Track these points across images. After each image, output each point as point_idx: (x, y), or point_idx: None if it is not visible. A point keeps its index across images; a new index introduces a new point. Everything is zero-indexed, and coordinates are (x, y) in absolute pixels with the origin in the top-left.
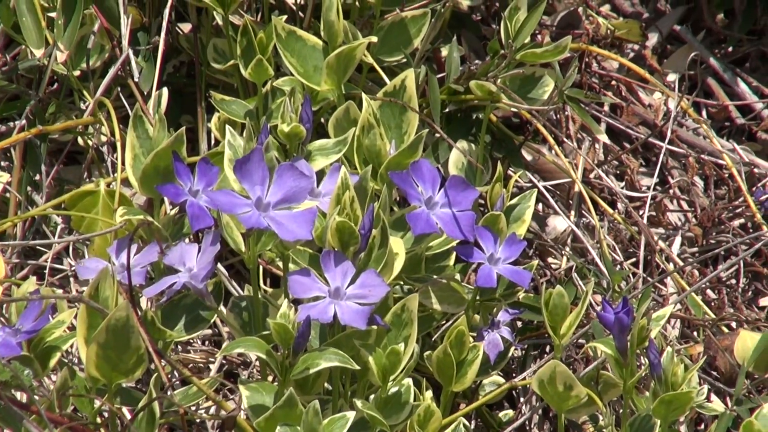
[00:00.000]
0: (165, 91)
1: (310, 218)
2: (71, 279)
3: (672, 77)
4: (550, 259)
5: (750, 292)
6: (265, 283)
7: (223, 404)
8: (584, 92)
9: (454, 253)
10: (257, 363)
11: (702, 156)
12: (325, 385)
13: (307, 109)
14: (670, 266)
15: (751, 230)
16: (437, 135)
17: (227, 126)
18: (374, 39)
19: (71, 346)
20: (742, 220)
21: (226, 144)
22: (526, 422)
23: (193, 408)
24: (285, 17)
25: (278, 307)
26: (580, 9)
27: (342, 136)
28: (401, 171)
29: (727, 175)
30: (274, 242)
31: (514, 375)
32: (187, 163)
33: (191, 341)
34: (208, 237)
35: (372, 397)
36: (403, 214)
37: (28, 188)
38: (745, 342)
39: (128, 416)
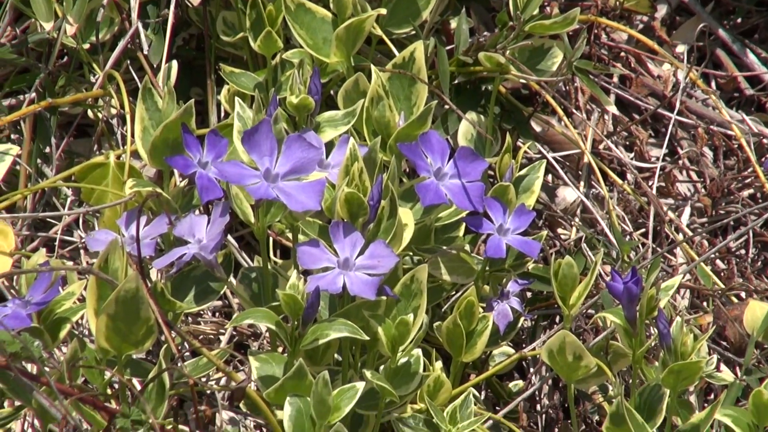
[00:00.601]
0: (174, 63)
1: (319, 189)
2: (81, 251)
3: (681, 48)
4: (559, 230)
5: (759, 262)
6: (274, 255)
7: (233, 375)
8: (593, 64)
9: (464, 224)
10: (267, 334)
11: (711, 127)
12: (335, 356)
13: (315, 81)
14: (680, 236)
15: (760, 200)
16: (446, 106)
17: (236, 98)
18: (383, 11)
19: (81, 318)
20: (751, 191)
21: (235, 116)
22: (536, 392)
23: (203, 379)
24: None
25: (287, 278)
26: None
27: (351, 107)
28: (410, 142)
29: (736, 146)
30: (284, 213)
31: (523, 345)
32: (196, 136)
33: (201, 312)
34: (218, 208)
35: (381, 367)
36: (412, 185)
37: (38, 161)
38: (755, 312)
39: (138, 387)
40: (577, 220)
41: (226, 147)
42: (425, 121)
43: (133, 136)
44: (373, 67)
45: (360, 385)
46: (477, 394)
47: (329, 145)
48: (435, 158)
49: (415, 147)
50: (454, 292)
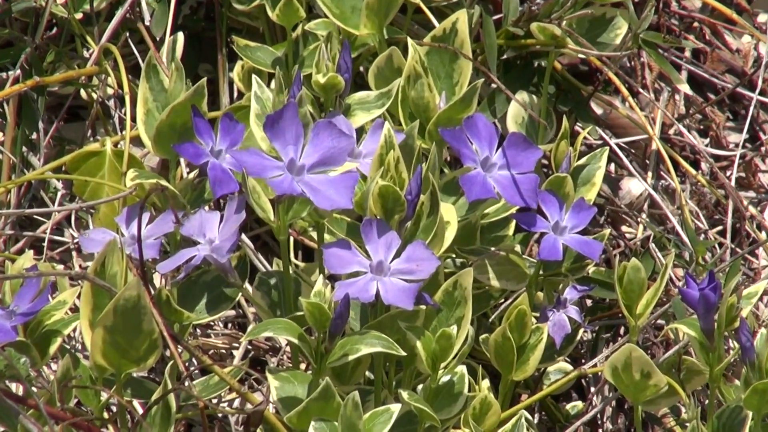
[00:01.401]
0: (180, 36)
1: (351, 184)
2: (73, 253)
3: (763, 18)
4: (623, 228)
5: None
6: (296, 257)
7: (248, 396)
8: (662, 36)
9: (514, 222)
10: (288, 349)
11: None
12: (366, 373)
13: (346, 57)
14: (762, 235)
15: None
16: (494, 85)
17: (253, 76)
18: None
19: (74, 331)
20: None
21: (252, 97)
22: (598, 415)
23: (215, 401)
24: None
25: (312, 285)
26: None
27: (385, 87)
28: (453, 127)
29: None
30: (308, 209)
31: (583, 361)
32: (208, 119)
33: (212, 324)
34: (232, 204)
35: (420, 387)
36: (455, 176)
37: (24, 149)
38: None
39: (140, 410)
40: (644, 216)
41: (242, 133)
42: (470, 102)
43: (133, 119)
44: (409, 41)
45: (395, 408)
46: (530, 417)
47: (360, 131)
48: (482, 146)
49: (459, 133)
50: (503, 300)
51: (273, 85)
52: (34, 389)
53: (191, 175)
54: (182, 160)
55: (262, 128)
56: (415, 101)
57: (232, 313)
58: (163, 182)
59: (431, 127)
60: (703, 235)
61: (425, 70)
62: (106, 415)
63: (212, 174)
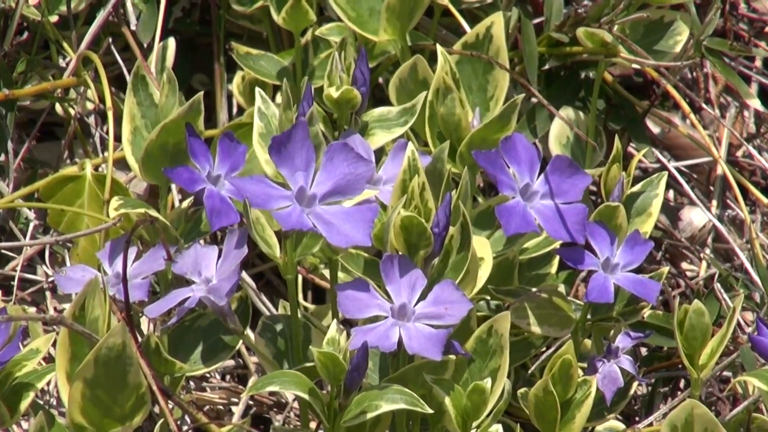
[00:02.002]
0: (171, 42)
1: (370, 216)
2: (48, 293)
3: None
4: (684, 265)
5: None
6: (305, 299)
7: None
8: (729, 43)
9: (557, 258)
10: (295, 405)
11: None
12: None
13: (362, 68)
14: None
15: None
16: (534, 100)
17: (257, 89)
18: None
19: (48, 384)
20: None
21: (255, 113)
22: None
23: None
24: None
25: (325, 331)
26: None
27: (408, 102)
28: (488, 149)
29: None
30: (320, 245)
31: (637, 419)
32: (203, 139)
33: (208, 376)
34: (232, 238)
35: None
36: (490, 206)
37: None
38: None
39: None
40: (708, 251)
41: (243, 156)
42: (509, 120)
43: (117, 139)
44: (438, 48)
45: None
46: None
47: (379, 153)
48: (521, 171)
49: (495, 156)
50: (544, 349)
51: (279, 99)
52: None
53: (185, 204)
54: (174, 187)
55: (267, 151)
56: (444, 119)
57: (232, 363)
58: (152, 212)
59: (463, 148)
60: None
61: (456, 82)
62: None
63: (209, 203)
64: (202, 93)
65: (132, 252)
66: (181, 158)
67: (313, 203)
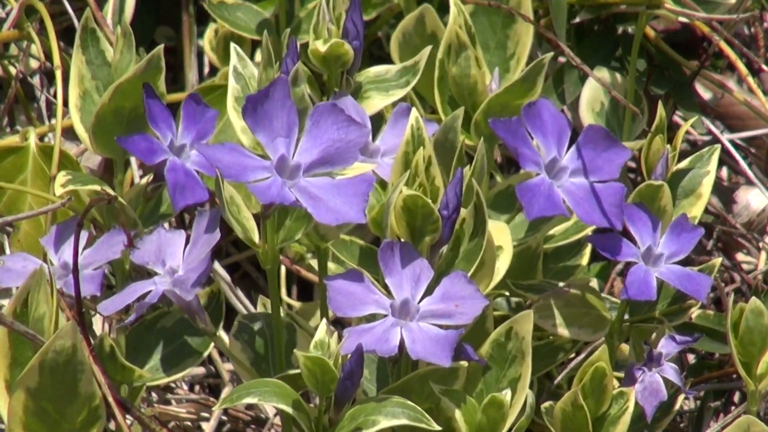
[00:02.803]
0: None
1: (364, 190)
2: None
3: None
4: (739, 256)
5: None
6: (289, 294)
7: None
8: None
9: (589, 247)
10: (277, 420)
11: None
12: None
13: (354, 17)
14: None
15: None
16: (562, 59)
17: (232, 44)
18: None
19: None
20: None
21: (230, 73)
22: None
23: None
24: None
25: (312, 332)
26: None
27: (412, 60)
28: (509, 118)
29: None
30: (306, 228)
31: None
32: (167, 104)
33: (174, 386)
34: (202, 220)
35: None
36: (510, 185)
37: None
38: None
39: None
40: (767, 239)
41: (213, 122)
42: (534, 83)
43: (66, 104)
44: None
45: None
46: None
47: (377, 120)
48: (547, 143)
49: (517, 125)
50: (573, 355)
51: (258, 57)
52: None
53: (144, 181)
54: (133, 160)
55: (242, 114)
56: (457, 81)
57: (202, 371)
58: (107, 189)
59: (479, 116)
60: None
61: (472, 37)
62: None
63: (172, 177)
64: (162, 46)
65: (83, 238)
66: (138, 126)
67: (296, 174)
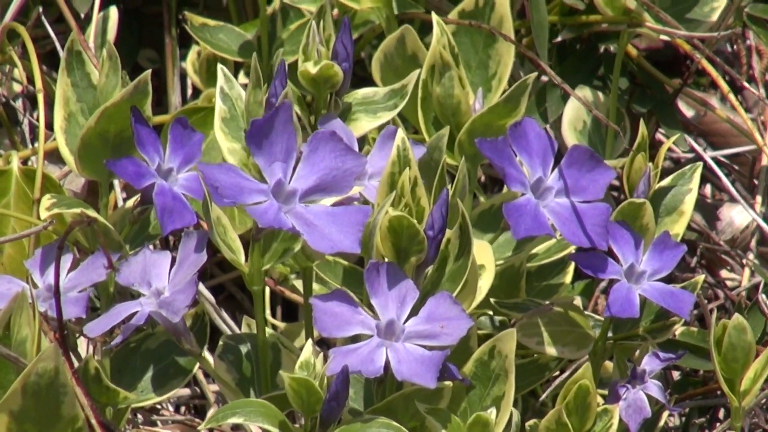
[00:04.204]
0: (114, 11)
1: (359, 220)
2: None
3: None
4: (723, 273)
5: None
6: (274, 315)
7: None
8: None
9: (572, 265)
10: None
11: None
12: None
13: (344, 40)
14: None
15: None
16: (544, 78)
17: (219, 66)
18: None
19: None
20: None
21: (218, 94)
22: None
23: None
24: None
25: (298, 353)
26: None
27: (394, 80)
28: (495, 138)
29: None
30: (292, 249)
31: None
32: (152, 126)
33: (159, 407)
34: (188, 242)
35: None
36: (494, 205)
37: None
38: None
39: None
40: (751, 256)
41: (200, 146)
42: (517, 103)
43: (49, 127)
44: (434, 16)
45: None
46: None
47: (361, 141)
48: (533, 163)
49: (503, 145)
50: (558, 373)
51: (242, 78)
52: None
53: (130, 203)
54: (117, 184)
55: (246, 138)
56: (441, 101)
57: (187, 392)
58: (91, 212)
59: (463, 136)
60: None
61: (455, 57)
62: None
63: (160, 201)
64: (149, 72)
65: (67, 260)
66: (124, 149)
67: (292, 200)
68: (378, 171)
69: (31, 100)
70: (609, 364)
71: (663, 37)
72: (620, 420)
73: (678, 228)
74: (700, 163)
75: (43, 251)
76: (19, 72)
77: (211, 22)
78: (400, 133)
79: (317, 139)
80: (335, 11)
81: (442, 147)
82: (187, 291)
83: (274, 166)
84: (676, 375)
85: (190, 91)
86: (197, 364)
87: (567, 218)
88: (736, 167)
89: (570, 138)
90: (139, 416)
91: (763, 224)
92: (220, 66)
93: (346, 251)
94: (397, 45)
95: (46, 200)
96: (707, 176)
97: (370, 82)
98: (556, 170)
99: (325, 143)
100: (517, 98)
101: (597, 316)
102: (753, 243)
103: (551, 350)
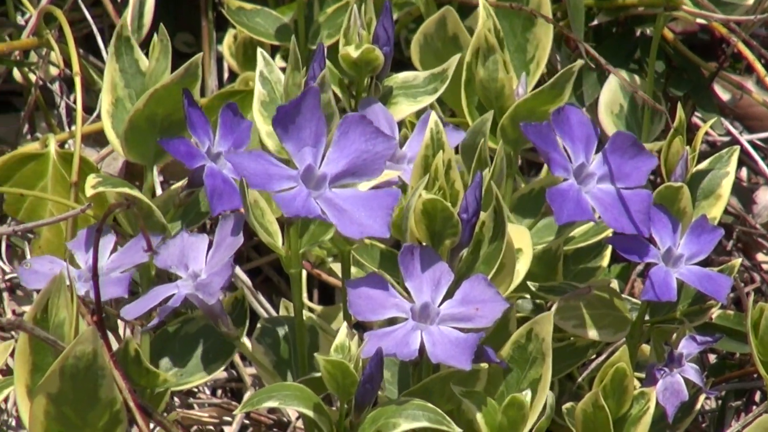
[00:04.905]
0: None
1: (389, 203)
2: (5, 294)
3: None
4: (759, 256)
5: None
6: (311, 298)
7: None
8: None
9: (609, 248)
10: (299, 424)
11: None
12: None
13: (385, 23)
14: None
15: None
16: (579, 62)
17: (259, 50)
18: None
19: (6, 400)
20: None
21: (257, 77)
22: None
23: None
24: None
25: (333, 335)
26: None
27: (434, 63)
28: (539, 122)
29: None
30: (330, 233)
31: None
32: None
33: (196, 390)
34: (225, 225)
35: None
36: (533, 189)
37: None
38: None
39: None
40: None
41: (248, 132)
42: (562, 90)
43: (85, 109)
44: None
45: None
46: None
47: (401, 125)
48: (575, 149)
49: (547, 130)
50: (594, 356)
51: (278, 62)
52: None
53: (176, 185)
54: (154, 170)
55: (272, 123)
56: (484, 85)
57: (224, 375)
58: (136, 192)
59: (506, 121)
60: None
61: (500, 41)
62: None
63: (211, 183)
64: (200, 56)
65: (109, 242)
66: (172, 132)
67: (322, 185)
68: (416, 155)
69: (68, 84)
70: (646, 348)
71: (699, 20)
72: (657, 403)
73: (715, 211)
74: (737, 147)
75: (87, 232)
76: (56, 55)
77: (248, 6)
78: (433, 115)
79: (347, 123)
80: None
81: (485, 131)
82: (223, 273)
83: (304, 151)
84: (712, 358)
85: (226, 75)
86: (235, 348)
87: (610, 204)
88: None
89: (606, 121)
90: (176, 399)
91: None
92: (259, 50)
93: (375, 235)
94: (438, 27)
95: (92, 179)
96: (743, 160)
97: (405, 65)
98: (599, 156)
99: (356, 126)
100: (563, 84)
101: (634, 300)
102: None
103: (588, 333)
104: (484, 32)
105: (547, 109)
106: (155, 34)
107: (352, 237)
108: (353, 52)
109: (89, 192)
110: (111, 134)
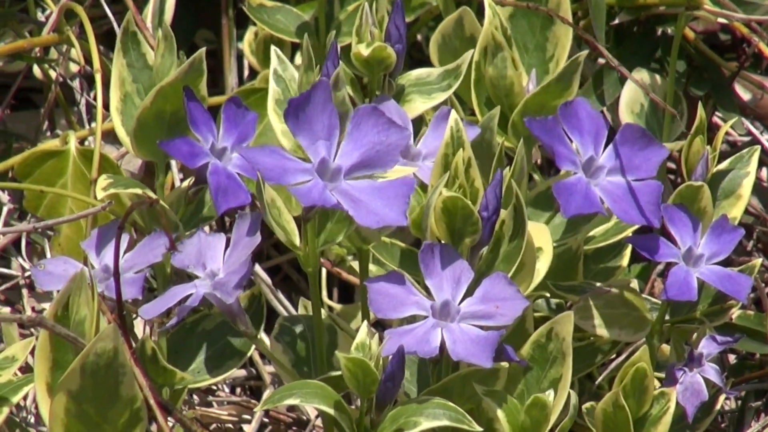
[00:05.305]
0: None
1: (405, 192)
2: (24, 291)
3: None
4: None
5: None
6: (330, 296)
7: None
8: None
9: (629, 248)
10: (318, 422)
11: None
12: None
13: (397, 21)
14: None
15: None
16: (601, 61)
17: (272, 47)
18: None
19: (26, 398)
20: None
21: (271, 75)
22: None
23: None
24: None
25: (353, 334)
26: None
27: (452, 63)
28: (545, 117)
29: None
30: (347, 231)
31: None
32: (207, 107)
33: (215, 388)
34: (242, 223)
35: None
36: (548, 187)
37: None
38: None
39: None
40: None
41: (253, 125)
42: (569, 83)
43: (106, 107)
44: None
45: None
46: None
47: (417, 123)
48: (584, 142)
49: (553, 124)
50: (614, 356)
51: (298, 60)
52: None
53: (185, 184)
54: (174, 163)
55: (283, 117)
56: (493, 82)
57: (243, 373)
58: (149, 193)
59: (516, 117)
60: None
61: (508, 39)
62: None
63: (214, 180)
64: (203, 50)
65: (124, 241)
66: (181, 129)
67: (337, 177)
68: (432, 152)
69: (88, 80)
70: (666, 348)
71: (720, 20)
72: (677, 403)
73: (736, 211)
74: (758, 147)
75: (100, 232)
76: (76, 52)
77: (269, 3)
78: (454, 114)
79: (359, 115)
80: None
81: (493, 127)
82: (241, 272)
83: (318, 144)
84: (732, 358)
85: (246, 72)
86: (253, 346)
87: (619, 196)
88: None
89: (627, 120)
90: (195, 397)
91: None
92: (273, 48)
93: (392, 224)
94: (455, 26)
95: (103, 180)
96: (764, 160)
97: (426, 64)
98: (608, 149)
99: (368, 118)
100: (570, 77)
101: (654, 299)
102: None
103: (608, 333)
104: (491, 30)
105: (557, 104)
106: (159, 31)
107: (370, 226)
108: (365, 50)
109: (100, 194)
110: (121, 131)
